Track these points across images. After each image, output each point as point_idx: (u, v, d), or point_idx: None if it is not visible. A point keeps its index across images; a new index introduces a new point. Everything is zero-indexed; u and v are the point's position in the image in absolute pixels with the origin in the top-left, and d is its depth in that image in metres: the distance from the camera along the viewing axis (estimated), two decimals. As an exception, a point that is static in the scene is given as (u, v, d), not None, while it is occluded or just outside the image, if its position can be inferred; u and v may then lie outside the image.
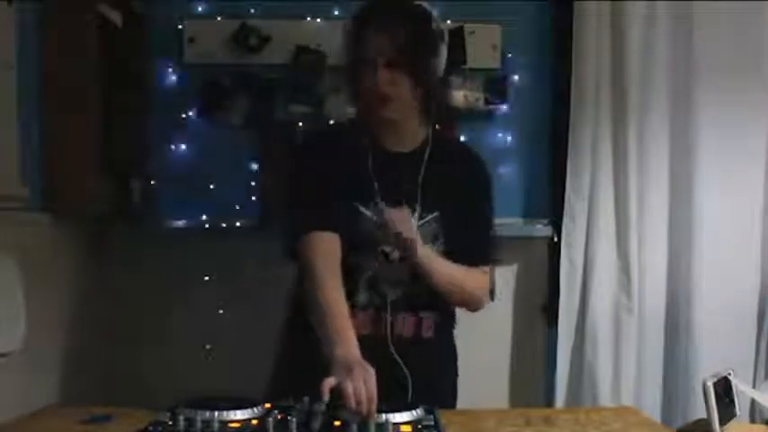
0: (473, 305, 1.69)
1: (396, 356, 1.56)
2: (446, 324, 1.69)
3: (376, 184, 1.58)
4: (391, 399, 1.32)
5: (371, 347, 1.42)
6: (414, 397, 1.54)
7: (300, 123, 2.63)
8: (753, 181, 2.61)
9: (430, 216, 1.60)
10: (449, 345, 1.73)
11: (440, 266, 1.58)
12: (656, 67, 2.58)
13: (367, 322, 1.56)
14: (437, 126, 1.68)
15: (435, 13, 2.60)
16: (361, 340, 1.41)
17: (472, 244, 1.67)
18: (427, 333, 1.62)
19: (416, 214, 1.59)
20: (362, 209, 1.58)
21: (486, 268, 1.71)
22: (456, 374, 1.75)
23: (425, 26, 1.58)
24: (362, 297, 1.58)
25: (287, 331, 1.72)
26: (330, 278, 1.50)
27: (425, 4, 1.63)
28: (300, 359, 1.60)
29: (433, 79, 1.59)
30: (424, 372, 1.58)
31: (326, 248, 1.53)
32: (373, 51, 1.52)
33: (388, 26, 1.52)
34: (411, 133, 1.64)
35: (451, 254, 1.62)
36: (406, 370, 1.56)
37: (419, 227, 1.58)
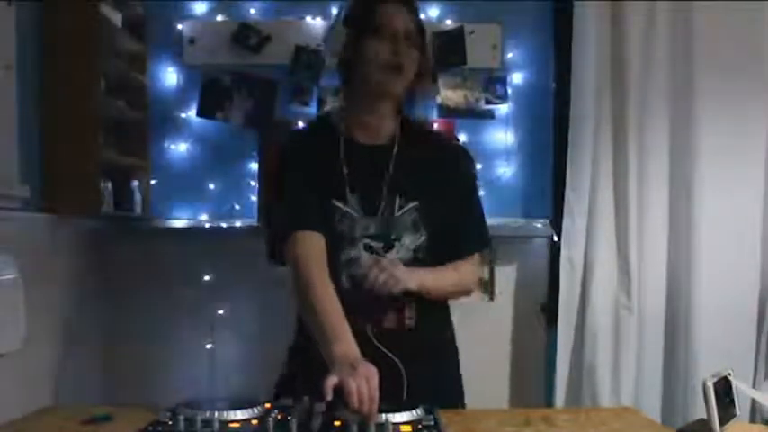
0: (464, 296, 1.72)
1: (384, 350, 1.55)
2: (436, 315, 1.68)
3: (350, 178, 1.59)
4: (384, 392, 1.31)
5: (357, 341, 1.41)
6: (409, 389, 1.53)
7: (300, 123, 2.63)
8: (753, 181, 2.61)
9: (410, 205, 1.60)
10: (442, 334, 1.72)
11: (434, 285, 1.59)
12: (657, 66, 2.58)
13: (351, 316, 1.55)
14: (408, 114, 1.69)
15: (437, 13, 2.67)
16: None
17: (457, 235, 1.67)
18: (413, 323, 1.61)
19: (396, 204, 1.59)
20: (339, 204, 1.58)
21: (475, 258, 1.71)
22: (457, 363, 1.73)
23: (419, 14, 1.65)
24: (346, 291, 1.57)
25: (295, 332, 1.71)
26: (319, 276, 1.50)
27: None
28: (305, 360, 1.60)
29: (426, 65, 1.63)
30: (415, 362, 1.57)
31: (312, 246, 1.53)
32: (395, 24, 1.56)
33: (403, 3, 1.59)
34: (383, 125, 1.64)
35: (438, 246, 1.63)
36: (397, 361, 1.55)
37: (399, 216, 1.59)
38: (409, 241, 1.59)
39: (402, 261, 1.58)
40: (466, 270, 1.68)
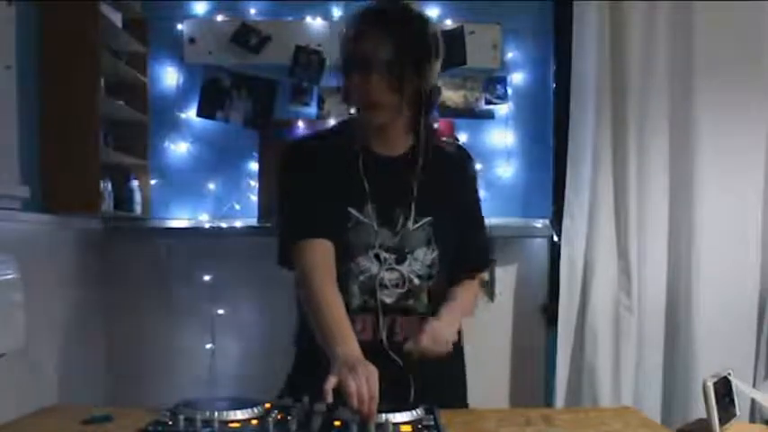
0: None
1: (396, 359, 1.55)
2: None
3: (367, 188, 1.58)
4: (391, 398, 1.32)
5: (370, 351, 1.42)
6: (420, 400, 1.53)
7: (300, 123, 2.63)
8: (752, 181, 2.61)
9: (423, 220, 1.61)
10: (454, 350, 1.73)
11: (454, 324, 1.62)
12: (656, 67, 2.58)
13: (363, 326, 1.56)
14: (425, 130, 1.66)
15: (437, 13, 2.67)
16: (359, 344, 1.41)
17: (468, 252, 1.70)
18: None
19: (410, 218, 1.59)
20: (355, 212, 1.58)
21: (482, 274, 1.75)
22: (464, 376, 1.74)
23: (419, 33, 1.55)
24: (357, 301, 1.58)
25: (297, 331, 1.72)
26: (326, 282, 1.51)
27: (423, 11, 1.61)
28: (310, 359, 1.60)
29: (425, 86, 1.57)
30: (428, 374, 1.57)
31: (321, 254, 1.53)
32: (363, 58, 1.51)
33: (380, 33, 1.51)
34: (400, 138, 1.63)
35: (449, 262, 1.64)
36: (410, 376, 1.55)
37: (414, 230, 1.59)
38: (422, 255, 1.60)
39: (416, 274, 1.59)
40: (476, 287, 1.76)
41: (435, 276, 1.62)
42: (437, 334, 1.53)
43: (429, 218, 1.61)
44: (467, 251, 1.69)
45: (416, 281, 1.59)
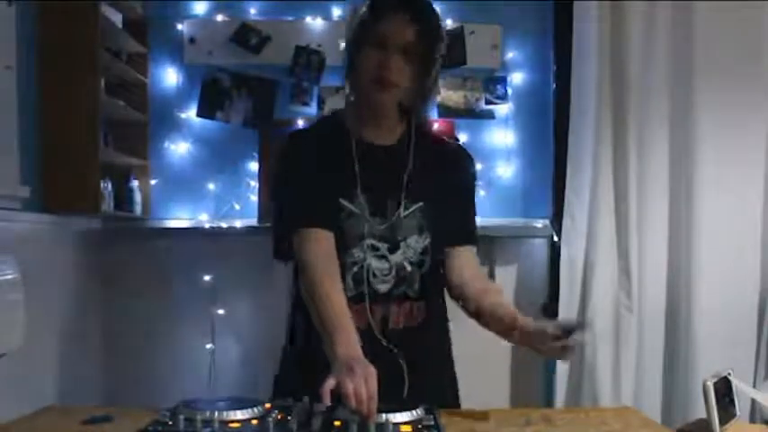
0: None
1: (392, 349, 1.55)
2: (438, 314, 1.69)
3: (360, 177, 1.58)
4: (388, 392, 1.31)
5: (364, 341, 1.42)
6: (411, 389, 1.53)
7: (300, 123, 2.64)
8: (753, 181, 2.61)
9: (414, 207, 1.61)
10: (443, 335, 1.73)
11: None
12: (656, 66, 2.58)
13: (358, 315, 1.56)
14: (416, 121, 1.68)
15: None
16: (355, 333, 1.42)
17: (457, 229, 1.68)
18: (420, 324, 1.62)
19: (402, 206, 1.59)
20: (348, 202, 1.58)
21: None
22: (453, 365, 1.75)
23: (435, 21, 1.61)
24: (352, 291, 1.57)
25: (288, 328, 1.72)
26: (327, 276, 1.50)
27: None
28: (303, 357, 1.60)
29: (434, 74, 1.60)
30: (420, 363, 1.58)
31: (321, 246, 1.53)
32: (390, 35, 1.52)
33: (408, 13, 1.54)
34: (391, 127, 1.64)
35: (440, 246, 1.64)
36: (402, 362, 1.55)
37: (405, 218, 1.59)
38: (414, 242, 1.60)
39: (409, 262, 1.59)
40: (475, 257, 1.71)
41: (428, 263, 1.62)
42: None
43: (420, 204, 1.61)
44: (457, 230, 1.67)
45: (409, 268, 1.60)
